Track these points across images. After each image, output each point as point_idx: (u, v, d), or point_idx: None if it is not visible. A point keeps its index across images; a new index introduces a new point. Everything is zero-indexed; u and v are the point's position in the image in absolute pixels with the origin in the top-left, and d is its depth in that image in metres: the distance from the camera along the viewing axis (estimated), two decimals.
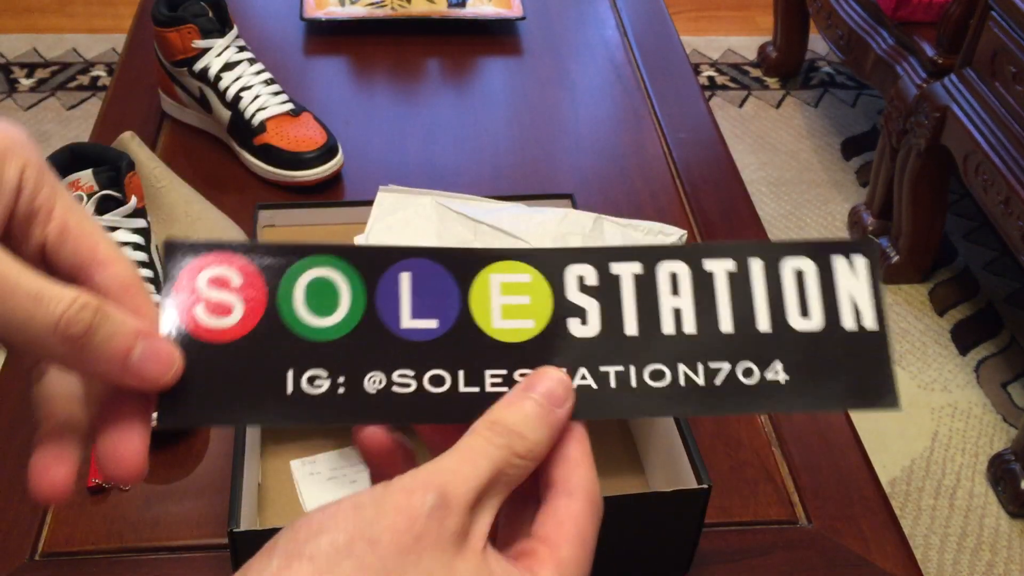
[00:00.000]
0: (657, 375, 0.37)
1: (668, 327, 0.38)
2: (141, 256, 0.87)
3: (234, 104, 1.11)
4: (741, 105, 2.42)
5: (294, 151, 1.10)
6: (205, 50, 1.11)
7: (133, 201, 0.86)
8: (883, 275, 1.90)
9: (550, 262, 0.38)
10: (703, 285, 0.38)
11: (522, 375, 0.36)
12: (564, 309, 0.38)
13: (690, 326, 0.38)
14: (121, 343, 0.32)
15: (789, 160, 2.25)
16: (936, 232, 1.86)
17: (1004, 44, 1.53)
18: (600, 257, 0.38)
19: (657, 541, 0.71)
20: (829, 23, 2.11)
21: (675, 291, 0.38)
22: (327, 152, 1.10)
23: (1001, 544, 1.50)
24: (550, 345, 0.37)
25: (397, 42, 1.39)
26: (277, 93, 1.13)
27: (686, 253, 0.39)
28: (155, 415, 0.34)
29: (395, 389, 0.36)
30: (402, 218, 0.84)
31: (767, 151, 2.27)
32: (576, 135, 1.24)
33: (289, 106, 1.12)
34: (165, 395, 0.34)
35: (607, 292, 0.38)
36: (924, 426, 1.67)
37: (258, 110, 1.11)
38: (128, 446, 0.33)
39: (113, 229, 0.86)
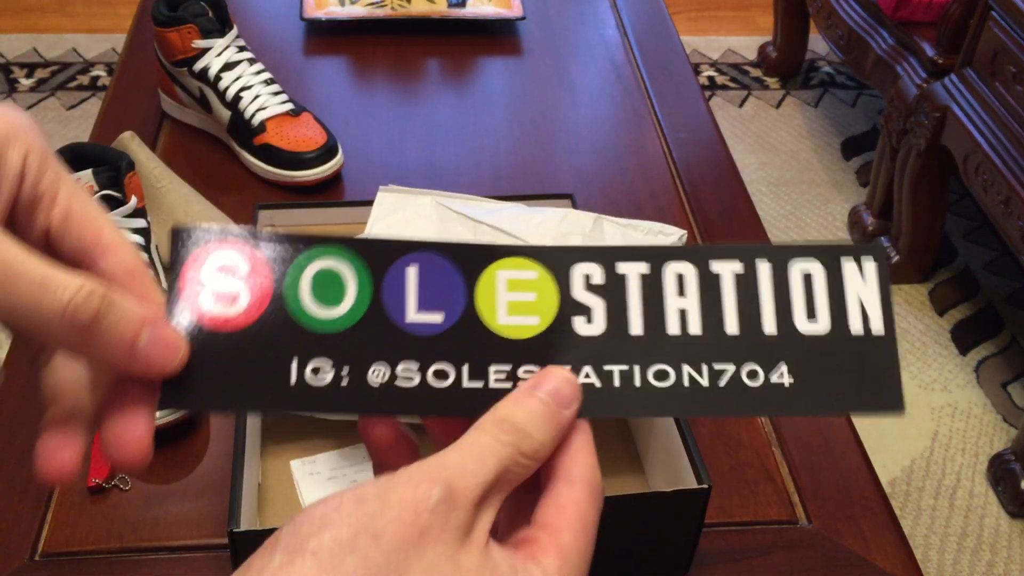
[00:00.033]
0: (661, 375, 0.37)
1: (673, 327, 0.38)
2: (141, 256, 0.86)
3: (234, 104, 1.11)
4: (741, 105, 2.42)
5: (294, 151, 1.09)
6: (205, 50, 1.11)
7: (133, 201, 0.86)
8: None
9: (557, 260, 0.38)
10: (709, 286, 0.38)
11: (526, 371, 0.36)
12: (570, 307, 0.38)
13: (695, 327, 0.38)
14: (127, 330, 0.32)
15: (789, 160, 2.25)
16: (936, 232, 1.86)
17: (1004, 44, 1.53)
18: (607, 256, 0.38)
19: (657, 541, 0.71)
20: (829, 23, 2.10)
21: (681, 292, 0.38)
22: (327, 152, 1.10)
23: (1001, 544, 1.50)
24: (555, 342, 0.37)
25: (397, 42, 1.39)
26: (277, 93, 1.13)
27: (693, 254, 0.38)
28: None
29: (399, 382, 0.36)
30: (402, 218, 0.84)
31: (767, 151, 2.27)
32: (576, 135, 1.24)
33: (289, 106, 1.12)
34: (168, 378, 0.34)
35: (613, 291, 0.38)
36: (924, 426, 1.67)
37: (258, 110, 1.11)
38: (134, 432, 0.33)
39: None
